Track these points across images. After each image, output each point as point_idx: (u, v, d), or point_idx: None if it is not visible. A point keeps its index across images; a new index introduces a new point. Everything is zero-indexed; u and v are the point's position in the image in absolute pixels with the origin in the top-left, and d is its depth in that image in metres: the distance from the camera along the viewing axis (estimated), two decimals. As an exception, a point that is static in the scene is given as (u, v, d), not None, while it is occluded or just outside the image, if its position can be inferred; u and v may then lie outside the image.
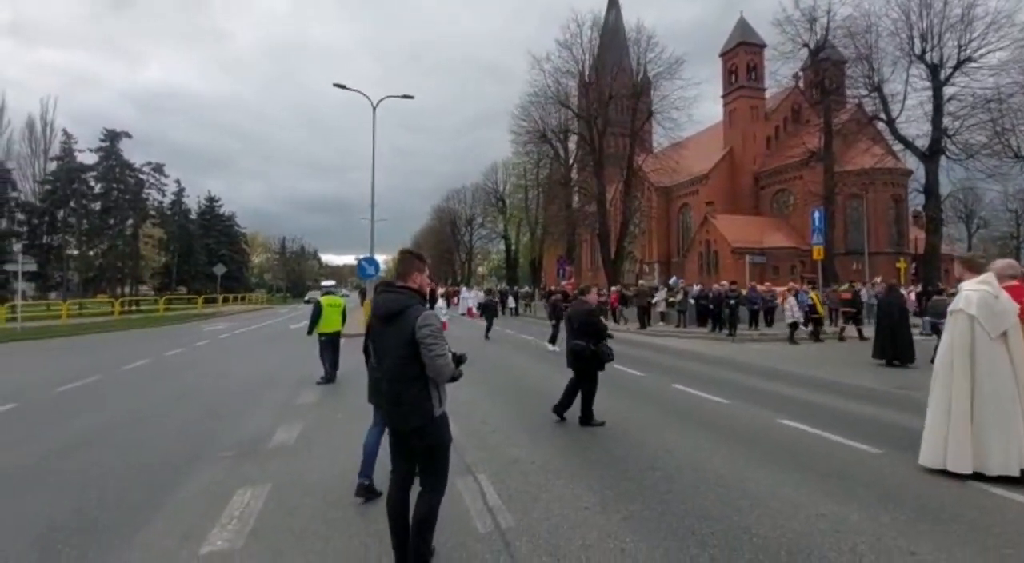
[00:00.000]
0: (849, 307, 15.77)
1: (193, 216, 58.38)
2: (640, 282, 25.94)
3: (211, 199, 63.71)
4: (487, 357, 11.99)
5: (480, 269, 79.84)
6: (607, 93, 32.71)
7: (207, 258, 52.53)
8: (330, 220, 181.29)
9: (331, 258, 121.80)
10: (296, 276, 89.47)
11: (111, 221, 42.84)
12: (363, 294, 27.68)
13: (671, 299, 20.43)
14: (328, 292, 9.49)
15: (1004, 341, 4.11)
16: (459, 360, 2.88)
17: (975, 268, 4.45)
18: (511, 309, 31.32)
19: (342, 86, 21.59)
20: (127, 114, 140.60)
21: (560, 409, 5.94)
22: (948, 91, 26.27)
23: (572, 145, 39.28)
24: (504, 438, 5.40)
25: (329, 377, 8.73)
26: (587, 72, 34.97)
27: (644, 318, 19.32)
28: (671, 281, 24.09)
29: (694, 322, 18.76)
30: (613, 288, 24.08)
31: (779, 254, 45.09)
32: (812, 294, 15.46)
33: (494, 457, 4.77)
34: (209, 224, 60.91)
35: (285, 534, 3.33)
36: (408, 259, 2.89)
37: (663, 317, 20.13)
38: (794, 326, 14.41)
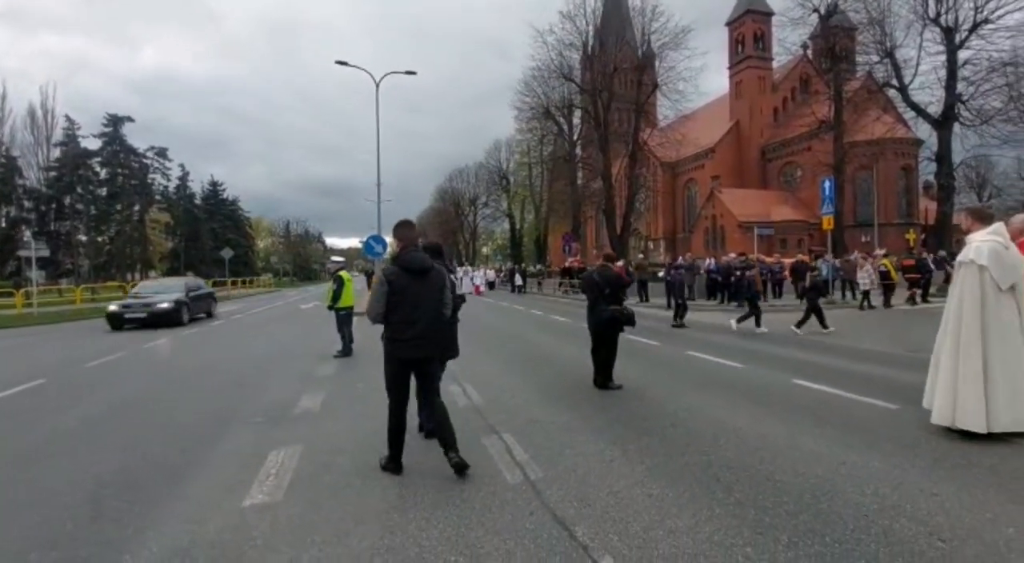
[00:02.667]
0: (914, 273, 15.94)
1: (198, 201, 58.48)
2: (640, 256, 25.91)
3: (215, 184, 63.72)
4: (501, 330, 12.12)
5: (484, 249, 79.78)
6: (612, 65, 32.13)
7: (214, 242, 52.82)
8: (334, 203, 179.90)
9: (336, 241, 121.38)
10: (302, 259, 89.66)
11: (118, 206, 43.09)
12: (369, 276, 27.87)
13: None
14: (341, 268, 9.66)
15: (1012, 294, 4.08)
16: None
17: (984, 219, 4.36)
18: (518, 287, 31.45)
19: (344, 63, 21.36)
20: (126, 99, 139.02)
21: (604, 379, 5.96)
22: (963, 55, 25.56)
23: (576, 120, 38.79)
24: (524, 402, 5.51)
25: (346, 351, 8.89)
26: (591, 43, 34.26)
27: (643, 293, 19.33)
28: (678, 262, 24.21)
29: (703, 295, 18.79)
30: (619, 262, 24.03)
31: (787, 227, 44.75)
32: (886, 261, 15.71)
33: (516, 418, 4.88)
34: (214, 209, 61.01)
35: (321, 488, 3.46)
36: (413, 228, 3.86)
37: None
38: (866, 293, 15.13)
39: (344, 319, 9.09)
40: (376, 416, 5.02)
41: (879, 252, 19.16)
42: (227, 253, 39.01)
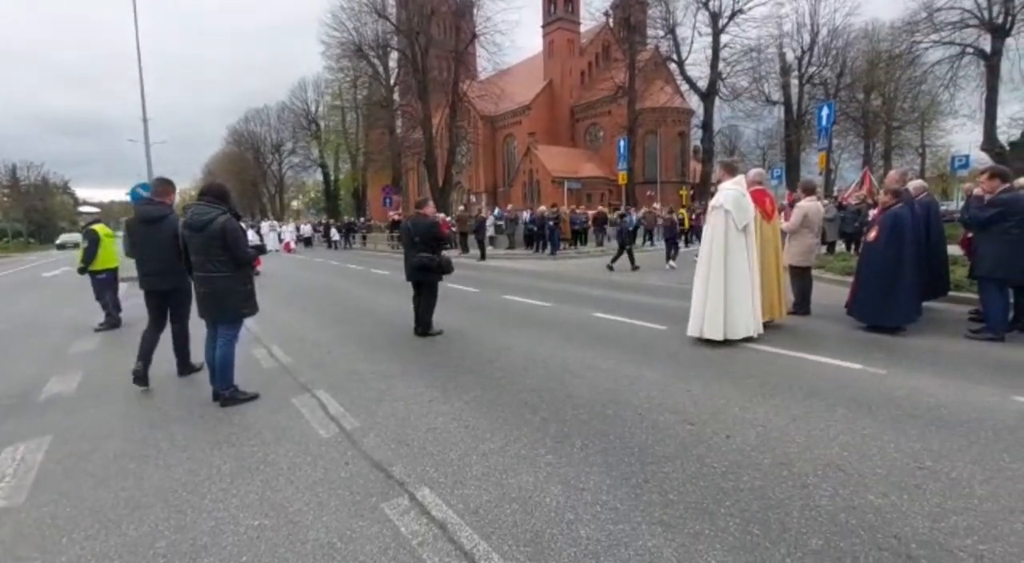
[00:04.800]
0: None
1: None
2: (460, 208, 26.52)
3: None
4: (314, 287, 11.28)
5: (295, 203, 72.05)
6: (428, 7, 30.79)
7: None
8: (86, 144, 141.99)
9: (91, 193, 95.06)
10: (41, 216, 68.19)
11: None
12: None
13: (498, 224, 21.52)
14: (96, 220, 7.73)
15: (745, 233, 5.19)
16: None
17: (731, 171, 5.44)
18: (335, 242, 29.47)
19: (83, -44, 16.43)
20: None
21: (423, 328, 5.93)
22: (724, 39, 30.79)
23: (393, 63, 36.65)
24: (340, 356, 5.24)
25: (113, 321, 7.34)
26: (406, -20, 32.26)
27: (464, 243, 19.91)
28: (495, 212, 25.37)
29: (522, 245, 20.00)
30: (441, 215, 24.11)
31: (592, 183, 49.74)
32: (683, 211, 17.96)
33: (331, 373, 4.63)
34: None
35: (81, 480, 2.86)
36: (161, 183, 4.57)
37: (492, 242, 21.01)
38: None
39: (104, 284, 7.39)
40: (158, 393, 4.35)
41: (656, 205, 22.64)
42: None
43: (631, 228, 15.15)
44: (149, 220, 4.36)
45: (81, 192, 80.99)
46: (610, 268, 12.41)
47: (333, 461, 2.92)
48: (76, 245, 36.81)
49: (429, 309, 5.92)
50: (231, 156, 63.72)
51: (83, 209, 9.51)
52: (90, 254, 7.25)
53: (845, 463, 2.65)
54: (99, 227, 7.47)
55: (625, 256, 12.66)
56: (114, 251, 7.62)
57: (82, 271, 7.31)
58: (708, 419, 3.25)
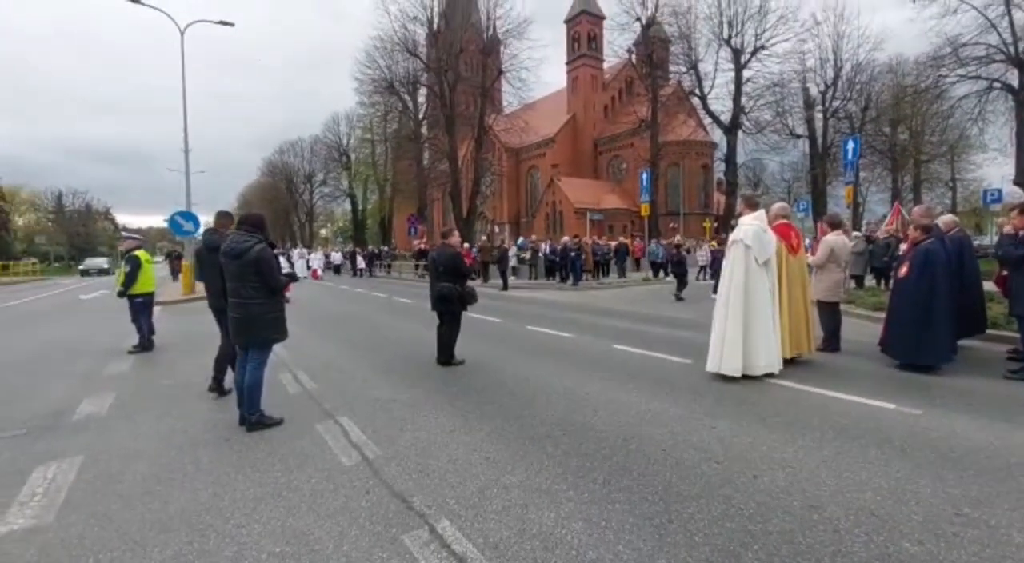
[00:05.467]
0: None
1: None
2: (483, 238, 26.85)
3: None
4: (336, 312, 11.47)
5: (323, 231, 74.07)
6: (457, 46, 32.03)
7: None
8: (126, 173, 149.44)
9: (130, 219, 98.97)
10: (83, 241, 71.16)
11: None
12: (174, 258, 24.17)
13: (521, 255, 21.63)
14: (138, 246, 8.06)
15: (766, 267, 5.13)
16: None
17: (753, 205, 5.41)
18: (360, 270, 30.01)
19: (137, 1, 17.71)
20: None
21: (445, 357, 5.96)
22: (746, 74, 31.17)
23: (421, 98, 37.97)
24: (363, 384, 5.30)
25: (146, 344, 7.57)
26: (436, 20, 33.72)
27: (484, 273, 20.02)
28: (519, 242, 25.58)
29: (543, 276, 20.03)
30: (465, 245, 24.40)
31: (614, 214, 49.91)
32: (714, 242, 18.15)
33: (355, 401, 4.67)
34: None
35: (109, 501, 2.92)
36: (222, 217, 5.14)
37: (515, 272, 21.09)
38: (703, 268, 18.39)
39: (141, 307, 7.65)
40: (186, 415, 4.43)
41: (678, 237, 22.47)
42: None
43: (665, 259, 15.12)
44: (213, 248, 4.83)
45: (120, 218, 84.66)
46: (679, 298, 12.62)
47: (355, 489, 2.93)
48: (100, 271, 38.03)
49: (452, 339, 5.95)
50: (265, 186, 66.25)
51: (126, 234, 9.92)
52: (131, 278, 7.54)
53: (879, 508, 2.54)
54: (140, 253, 7.81)
55: (671, 281, 13.29)
56: (152, 276, 7.94)
57: (121, 295, 7.60)
58: (735, 458, 3.17)
